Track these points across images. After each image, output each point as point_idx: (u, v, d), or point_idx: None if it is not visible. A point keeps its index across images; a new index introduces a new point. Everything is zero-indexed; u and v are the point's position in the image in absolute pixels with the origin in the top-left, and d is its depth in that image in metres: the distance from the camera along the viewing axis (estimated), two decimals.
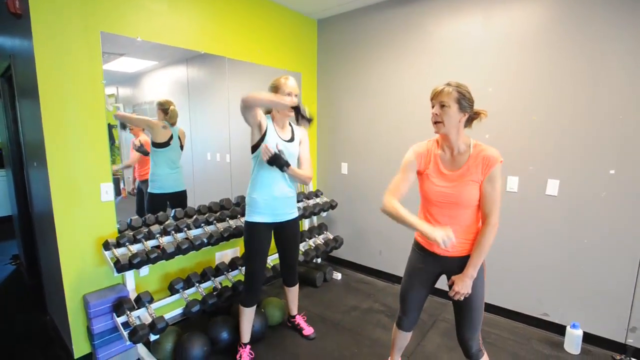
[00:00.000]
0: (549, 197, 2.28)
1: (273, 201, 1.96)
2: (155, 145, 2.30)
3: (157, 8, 2.18)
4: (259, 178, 1.94)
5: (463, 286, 1.41)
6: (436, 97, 1.40)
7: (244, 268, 2.34)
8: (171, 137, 2.36)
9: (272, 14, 2.94)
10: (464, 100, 1.37)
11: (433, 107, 1.42)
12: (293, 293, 2.33)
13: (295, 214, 2.12)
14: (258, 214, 1.95)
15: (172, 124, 2.35)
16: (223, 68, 2.64)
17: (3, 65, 2.61)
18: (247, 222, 1.98)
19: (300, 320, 2.39)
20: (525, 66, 2.29)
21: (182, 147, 2.44)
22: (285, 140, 1.96)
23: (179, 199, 2.47)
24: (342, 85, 3.27)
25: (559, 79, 2.18)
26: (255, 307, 2.03)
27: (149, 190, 2.32)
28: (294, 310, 2.39)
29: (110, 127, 2.10)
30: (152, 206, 2.33)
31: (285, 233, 2.11)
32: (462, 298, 1.43)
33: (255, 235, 1.96)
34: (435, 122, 1.42)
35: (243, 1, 2.68)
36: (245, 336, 2.05)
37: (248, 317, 2.02)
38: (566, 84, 2.16)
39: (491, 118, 2.44)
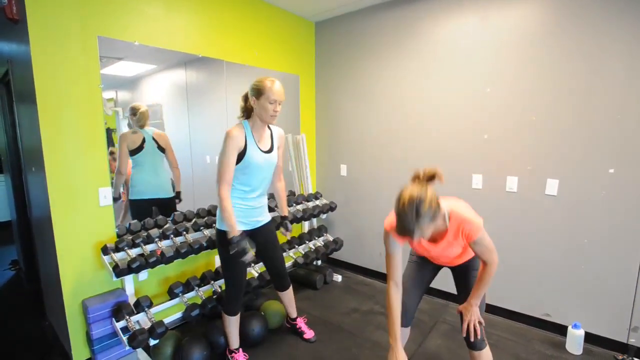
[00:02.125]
0: (549, 197, 2.28)
1: (250, 209, 1.91)
2: (130, 152, 2.21)
3: (154, 12, 2.18)
4: (239, 186, 1.85)
5: (473, 313, 1.46)
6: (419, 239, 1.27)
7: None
8: (143, 141, 2.25)
9: (270, 17, 2.94)
10: (437, 217, 1.25)
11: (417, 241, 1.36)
12: (288, 296, 2.26)
13: (268, 218, 2.07)
14: (235, 222, 1.83)
15: (141, 127, 2.23)
16: (221, 71, 2.64)
17: (1, 71, 2.61)
18: (220, 231, 1.84)
19: (301, 323, 2.36)
20: (523, 66, 2.29)
21: (162, 150, 2.34)
22: (264, 151, 1.86)
23: (164, 206, 2.36)
24: (340, 88, 3.28)
25: (558, 79, 2.18)
26: (239, 314, 2.00)
27: (129, 197, 2.23)
28: (293, 313, 2.35)
29: (109, 131, 2.10)
30: (133, 212, 2.24)
31: (262, 236, 2.04)
32: (477, 326, 1.47)
33: None
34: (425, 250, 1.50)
35: (240, 4, 2.69)
36: (235, 342, 2.02)
37: (235, 325, 2.00)
38: (564, 83, 2.16)
39: (489, 118, 2.46)
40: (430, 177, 1.26)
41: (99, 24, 1.93)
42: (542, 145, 2.27)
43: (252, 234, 2.00)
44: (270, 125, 1.95)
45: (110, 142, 2.10)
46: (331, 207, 3.22)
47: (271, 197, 2.83)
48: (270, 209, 2.41)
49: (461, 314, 1.54)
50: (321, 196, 3.34)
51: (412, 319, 1.70)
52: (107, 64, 2.02)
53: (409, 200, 1.18)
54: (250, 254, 1.77)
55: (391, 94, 2.93)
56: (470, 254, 1.55)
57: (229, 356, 2.03)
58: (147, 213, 2.30)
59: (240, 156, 1.78)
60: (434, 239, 1.42)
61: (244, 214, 1.89)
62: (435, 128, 2.72)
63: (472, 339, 1.47)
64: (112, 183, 2.08)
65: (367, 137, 3.14)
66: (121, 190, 2.22)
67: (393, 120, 2.95)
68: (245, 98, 1.87)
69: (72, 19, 1.83)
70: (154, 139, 2.31)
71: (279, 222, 2.21)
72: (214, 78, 2.64)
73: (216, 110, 2.69)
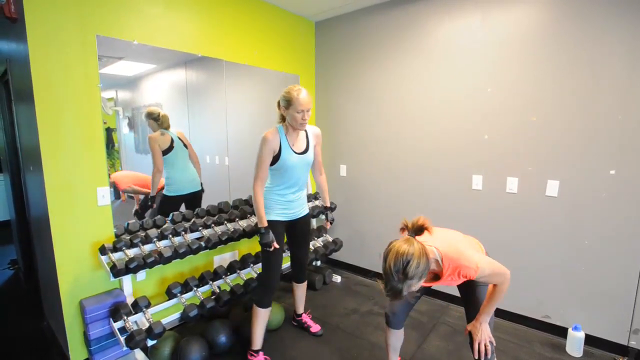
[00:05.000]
0: (549, 198, 2.27)
1: (288, 203, 2.03)
2: (162, 152, 2.34)
3: (153, 11, 2.18)
4: (277, 184, 1.98)
5: (482, 332, 1.36)
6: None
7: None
8: (172, 141, 2.37)
9: (270, 17, 2.93)
10: (425, 274, 1.19)
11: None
12: (301, 290, 2.35)
13: (307, 210, 2.18)
14: (275, 213, 2.01)
15: (167, 128, 2.35)
16: (221, 71, 2.63)
17: (0, 70, 2.61)
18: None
19: (307, 318, 2.40)
20: (525, 66, 2.27)
21: (186, 146, 2.47)
22: (299, 153, 1.96)
23: (193, 199, 2.51)
24: (340, 87, 3.27)
25: (559, 79, 2.17)
26: (270, 308, 2.03)
27: (164, 192, 2.36)
28: (301, 309, 2.40)
29: (109, 130, 2.10)
30: (166, 208, 2.36)
31: (298, 228, 2.15)
32: (488, 346, 1.37)
33: (272, 230, 1.97)
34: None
35: (240, 4, 2.68)
36: (258, 342, 2.02)
37: (263, 320, 2.01)
38: (565, 83, 2.15)
39: (490, 118, 2.45)
40: (418, 230, 1.21)
41: (97, 23, 1.92)
42: (542, 146, 2.26)
43: (290, 225, 2.11)
44: (307, 130, 2.05)
45: (110, 141, 2.09)
46: (330, 208, 3.21)
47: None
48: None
49: (470, 334, 1.44)
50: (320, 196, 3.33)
51: (402, 321, 1.67)
52: (107, 63, 2.01)
53: (395, 261, 1.13)
54: (274, 245, 1.94)
55: (391, 94, 2.92)
56: None
57: (249, 358, 2.03)
58: (176, 207, 2.45)
59: (276, 158, 1.91)
60: (430, 280, 1.37)
61: (283, 207, 2.03)
62: (435, 128, 2.71)
63: (488, 356, 1.38)
64: (110, 181, 2.08)
65: (367, 138, 3.13)
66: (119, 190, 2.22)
67: (393, 121, 2.94)
68: (279, 105, 1.95)
69: (71, 17, 1.82)
70: (179, 137, 2.42)
71: (322, 212, 2.36)
72: (213, 78, 2.63)
73: (216, 110, 2.68)
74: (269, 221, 1.98)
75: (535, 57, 2.23)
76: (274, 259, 1.98)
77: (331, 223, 2.34)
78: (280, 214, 2.02)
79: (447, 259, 1.27)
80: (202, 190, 2.58)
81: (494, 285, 1.35)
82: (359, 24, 3.05)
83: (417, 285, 1.17)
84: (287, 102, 1.86)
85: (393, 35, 2.85)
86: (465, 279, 1.30)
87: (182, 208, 2.49)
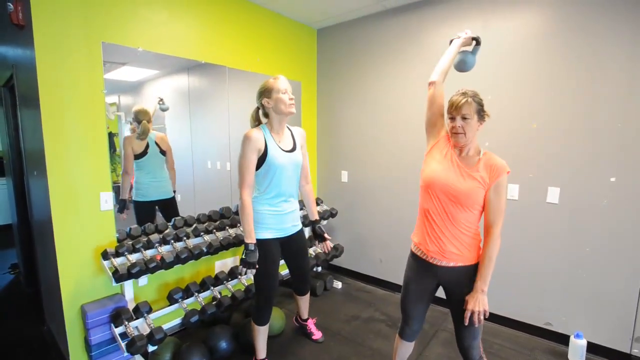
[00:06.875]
0: (550, 205, 2.27)
1: (282, 215, 1.88)
2: (134, 156, 2.27)
3: (157, 19, 2.21)
4: (266, 192, 1.83)
5: (477, 303, 1.36)
6: (457, 111, 1.38)
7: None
8: (147, 146, 2.31)
9: (272, 24, 2.97)
10: (482, 110, 1.40)
11: (453, 119, 1.40)
12: (304, 301, 2.32)
13: (300, 225, 2.06)
14: (267, 230, 1.85)
15: (141, 139, 2.26)
16: (223, 77, 2.66)
17: (6, 75, 2.64)
18: (256, 240, 1.82)
19: (311, 325, 2.39)
20: (525, 73, 2.30)
21: (163, 153, 2.39)
22: (287, 151, 1.84)
23: (166, 206, 2.45)
24: (341, 94, 3.29)
25: (559, 86, 2.19)
26: (268, 324, 1.99)
27: (133, 198, 2.30)
28: (305, 315, 2.38)
29: (111, 135, 2.11)
30: (138, 213, 2.31)
31: (294, 246, 2.03)
32: (481, 317, 1.37)
33: (267, 253, 1.84)
34: (457, 134, 1.40)
35: (243, 11, 2.71)
36: (262, 352, 2.01)
37: (263, 334, 1.99)
38: (566, 90, 2.17)
39: (491, 125, 2.45)
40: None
41: (103, 30, 1.95)
42: (543, 153, 2.27)
43: (285, 242, 1.97)
44: (289, 126, 1.95)
45: (112, 146, 2.10)
46: (332, 214, 3.21)
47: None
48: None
49: (466, 302, 1.41)
50: (322, 202, 3.34)
51: (417, 333, 1.64)
52: (111, 69, 2.03)
53: (474, 92, 1.40)
54: (255, 267, 1.76)
55: (393, 101, 2.94)
56: (472, 251, 1.46)
57: None
58: (150, 213, 2.38)
59: (262, 159, 1.76)
60: (466, 164, 1.41)
61: (276, 220, 1.87)
62: None
63: (475, 325, 1.39)
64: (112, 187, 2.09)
65: (369, 144, 3.14)
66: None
67: (394, 127, 2.96)
68: (257, 112, 1.88)
69: (77, 25, 1.85)
70: (156, 143, 2.36)
71: (311, 228, 2.18)
72: (216, 84, 2.65)
73: (218, 116, 2.70)
74: (262, 240, 1.82)
75: (536, 64, 2.25)
76: (268, 279, 1.88)
77: (328, 239, 2.15)
78: (274, 230, 1.86)
79: (488, 153, 1.44)
80: (173, 198, 2.48)
81: (487, 239, 1.39)
82: (360, 32, 3.08)
83: (470, 108, 1.36)
84: (267, 91, 1.76)
85: (395, 43, 2.88)
86: (491, 177, 1.37)
87: (158, 214, 2.44)
